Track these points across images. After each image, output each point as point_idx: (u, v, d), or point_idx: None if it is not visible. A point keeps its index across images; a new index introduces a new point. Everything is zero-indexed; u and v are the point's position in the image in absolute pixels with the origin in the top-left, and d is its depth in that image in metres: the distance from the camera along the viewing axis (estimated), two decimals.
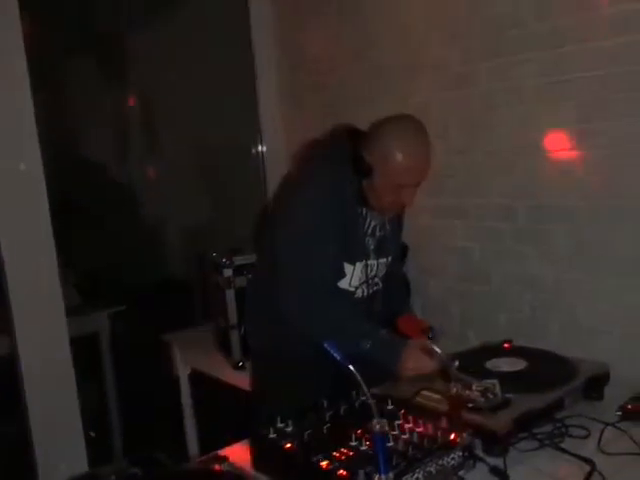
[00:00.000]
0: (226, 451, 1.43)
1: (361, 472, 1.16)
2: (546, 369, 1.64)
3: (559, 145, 2.03)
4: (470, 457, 1.29)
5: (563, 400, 1.50)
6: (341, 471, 1.18)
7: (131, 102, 4.33)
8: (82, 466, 2.46)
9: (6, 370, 2.42)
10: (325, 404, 1.48)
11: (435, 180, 2.06)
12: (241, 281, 2.37)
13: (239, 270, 2.38)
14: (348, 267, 1.77)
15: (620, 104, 1.85)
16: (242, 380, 2.27)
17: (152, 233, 4.25)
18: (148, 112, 4.26)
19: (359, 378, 1.16)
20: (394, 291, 1.97)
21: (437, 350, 1.54)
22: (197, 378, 2.77)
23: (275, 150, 3.16)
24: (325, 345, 1.19)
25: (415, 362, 1.61)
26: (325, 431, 1.35)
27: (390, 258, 1.89)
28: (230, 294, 2.39)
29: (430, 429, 1.31)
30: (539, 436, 1.40)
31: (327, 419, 1.41)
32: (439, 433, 1.29)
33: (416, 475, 1.18)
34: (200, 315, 3.29)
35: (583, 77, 1.92)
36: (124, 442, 3.39)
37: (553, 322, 2.11)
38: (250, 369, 2.06)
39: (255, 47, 3.12)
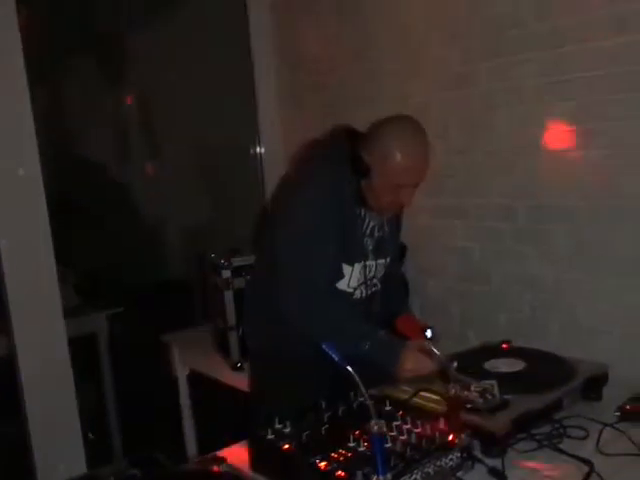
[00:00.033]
0: (224, 452, 1.43)
1: (359, 473, 1.15)
2: (544, 370, 1.64)
3: (559, 145, 2.03)
4: (468, 458, 1.29)
5: (561, 401, 1.50)
6: (339, 472, 1.18)
7: (130, 102, 4.33)
8: (81, 467, 2.46)
9: (5, 371, 2.42)
10: (323, 405, 1.48)
11: (435, 180, 2.06)
12: (240, 282, 2.37)
13: (237, 271, 2.38)
14: (346, 268, 1.77)
15: (620, 104, 1.85)
16: (240, 381, 2.27)
17: (151, 233, 4.25)
18: (147, 112, 4.26)
19: (357, 379, 1.16)
20: (392, 292, 1.97)
21: (435, 351, 1.53)
22: (196, 379, 2.77)
23: (273, 151, 3.16)
24: (323, 346, 1.19)
25: (414, 363, 1.60)
26: (323, 432, 1.35)
27: (389, 259, 1.89)
28: (229, 295, 2.38)
29: (428, 430, 1.31)
30: (537, 437, 1.40)
31: (325, 420, 1.41)
32: (437, 434, 1.29)
33: (414, 476, 1.18)
34: (200, 315, 3.29)
35: (583, 77, 1.92)
36: (123, 443, 3.38)
37: (553, 322, 2.11)
38: (249, 370, 2.06)
39: (254, 47, 3.12)
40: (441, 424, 1.32)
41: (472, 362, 1.67)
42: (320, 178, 1.71)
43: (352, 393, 1.50)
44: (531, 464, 1.34)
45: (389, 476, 1.13)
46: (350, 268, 1.77)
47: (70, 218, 3.38)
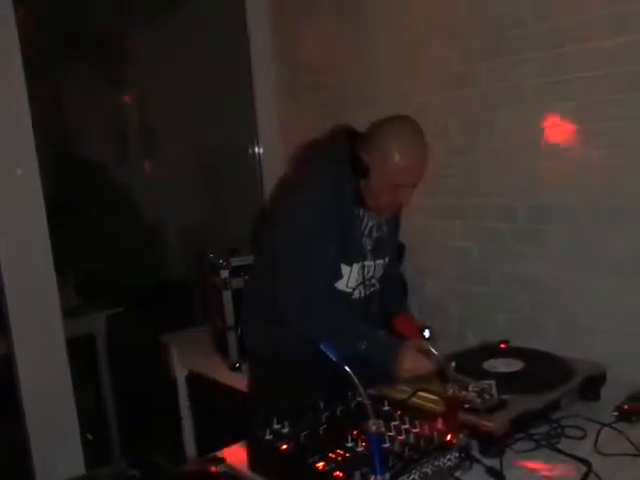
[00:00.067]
0: (223, 452, 1.42)
1: (357, 473, 1.15)
2: (542, 370, 1.63)
3: (559, 145, 2.03)
4: (466, 458, 1.28)
5: (559, 401, 1.50)
6: (337, 472, 1.18)
7: (129, 102, 4.33)
8: (79, 468, 2.46)
9: (3, 372, 2.42)
10: (321, 405, 1.47)
11: (434, 180, 2.07)
12: (238, 282, 2.37)
13: (236, 271, 2.38)
14: (345, 268, 1.77)
15: (620, 104, 1.85)
16: (239, 381, 2.27)
17: (151, 233, 4.25)
18: (146, 112, 4.26)
19: (355, 379, 1.15)
20: (391, 292, 1.97)
21: (433, 351, 1.53)
22: (194, 379, 2.76)
23: (272, 151, 3.16)
24: (321, 346, 1.19)
25: (412, 363, 1.60)
26: (321, 432, 1.35)
27: (387, 259, 1.89)
28: (227, 295, 2.38)
29: (426, 430, 1.31)
30: (535, 437, 1.40)
31: (323, 420, 1.41)
32: (435, 434, 1.29)
33: (412, 476, 1.18)
34: (200, 315, 3.29)
35: (583, 77, 1.92)
36: (121, 443, 3.38)
37: (551, 322, 2.11)
38: (247, 370, 2.06)
39: (253, 47, 3.12)
40: (439, 424, 1.32)
41: (470, 362, 1.67)
42: (319, 178, 1.71)
43: (350, 393, 1.49)
44: (529, 464, 1.33)
45: (387, 476, 1.13)
46: (349, 268, 1.77)
47: (70, 218, 3.38)
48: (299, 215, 1.70)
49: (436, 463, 1.22)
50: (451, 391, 1.34)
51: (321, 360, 1.22)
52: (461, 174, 2.34)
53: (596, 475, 1.25)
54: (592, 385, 1.59)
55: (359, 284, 1.81)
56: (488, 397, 1.44)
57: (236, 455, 1.40)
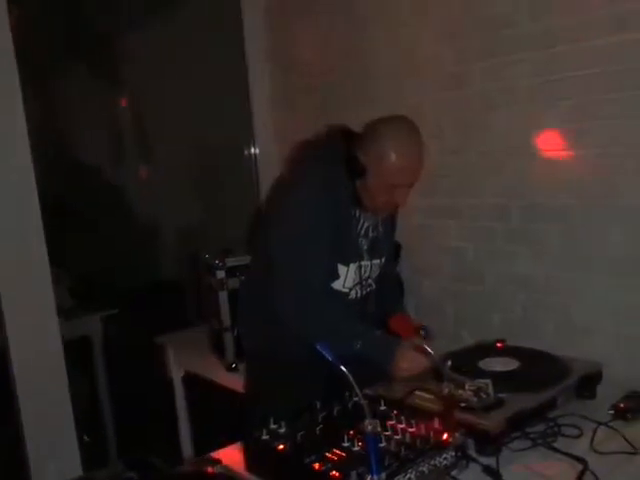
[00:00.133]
0: (219, 453, 1.43)
1: (353, 473, 1.15)
2: (539, 368, 1.64)
3: (553, 145, 2.03)
4: (463, 457, 1.29)
5: (556, 399, 1.50)
6: (333, 472, 1.18)
7: (124, 104, 4.32)
8: (76, 470, 2.45)
9: None
10: (318, 405, 1.48)
11: (429, 180, 2.06)
12: (234, 282, 2.36)
13: (232, 272, 2.37)
14: (342, 268, 1.77)
15: (614, 103, 1.85)
16: (236, 382, 2.27)
17: (146, 235, 4.25)
18: (141, 114, 4.25)
19: (351, 379, 1.16)
20: (387, 291, 1.97)
21: (429, 350, 1.53)
22: (191, 380, 2.76)
23: (267, 152, 3.16)
24: (317, 346, 1.19)
25: (408, 362, 1.61)
26: (318, 432, 1.35)
27: (383, 259, 1.89)
28: (223, 296, 2.38)
29: (423, 429, 1.31)
30: (532, 435, 1.41)
31: (320, 420, 1.41)
32: (432, 433, 1.29)
33: (408, 475, 1.18)
34: (194, 316, 3.29)
35: (577, 77, 1.92)
36: (118, 445, 3.37)
37: (547, 322, 2.12)
38: (244, 371, 2.06)
39: (248, 49, 3.12)
40: (435, 423, 1.32)
41: (466, 361, 1.68)
42: (314, 178, 1.71)
43: (347, 393, 1.49)
44: (525, 463, 1.34)
45: (383, 476, 1.13)
46: (345, 268, 1.77)
47: (65, 221, 3.37)
48: (293, 215, 1.70)
49: (432, 462, 1.23)
50: (447, 390, 1.34)
51: (318, 360, 1.22)
52: (456, 174, 2.35)
53: (592, 473, 1.26)
54: (588, 384, 1.59)
55: (356, 284, 1.81)
56: (484, 396, 1.44)
57: (233, 456, 1.40)
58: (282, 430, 1.37)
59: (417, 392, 1.51)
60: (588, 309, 2.00)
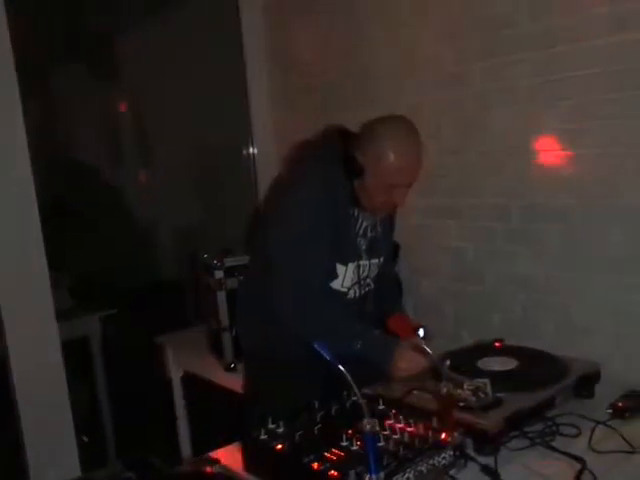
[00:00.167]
0: (218, 453, 1.42)
1: (352, 472, 1.15)
2: (537, 368, 1.64)
3: (553, 145, 2.03)
4: (461, 456, 1.29)
5: (554, 399, 1.50)
6: (332, 472, 1.18)
7: (123, 104, 4.32)
8: (75, 470, 2.45)
9: None
10: (316, 405, 1.48)
11: (428, 180, 2.07)
12: (232, 282, 2.36)
13: (230, 272, 2.37)
14: (340, 268, 1.77)
15: (614, 103, 1.85)
16: (234, 382, 2.27)
17: (145, 235, 4.25)
18: (140, 114, 4.25)
19: (349, 378, 1.15)
20: (386, 291, 1.97)
21: (428, 350, 1.53)
22: (189, 380, 2.76)
23: (266, 152, 3.16)
24: (315, 345, 1.19)
25: (407, 362, 1.61)
26: (316, 432, 1.35)
27: (382, 259, 1.89)
28: (221, 296, 2.38)
29: (421, 429, 1.31)
30: (530, 435, 1.40)
31: (318, 420, 1.41)
32: (430, 433, 1.29)
33: (407, 475, 1.18)
34: (192, 316, 3.29)
35: (576, 76, 1.92)
36: (117, 445, 3.37)
37: (546, 321, 2.11)
38: (242, 370, 2.06)
39: (246, 49, 3.12)
40: (434, 423, 1.32)
41: (465, 360, 1.68)
42: (313, 178, 1.71)
43: (345, 392, 1.49)
44: (524, 462, 1.34)
45: (382, 475, 1.13)
46: (344, 268, 1.77)
47: (64, 222, 3.37)
48: (292, 215, 1.70)
49: (431, 462, 1.23)
50: (445, 390, 1.34)
51: (316, 360, 1.22)
52: (455, 174, 2.35)
53: (590, 472, 1.26)
54: (586, 383, 1.59)
55: (354, 284, 1.81)
56: (483, 395, 1.44)
57: (231, 455, 1.40)
58: (280, 430, 1.37)
59: (415, 391, 1.51)
60: (588, 309, 2.00)
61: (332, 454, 1.24)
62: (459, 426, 1.32)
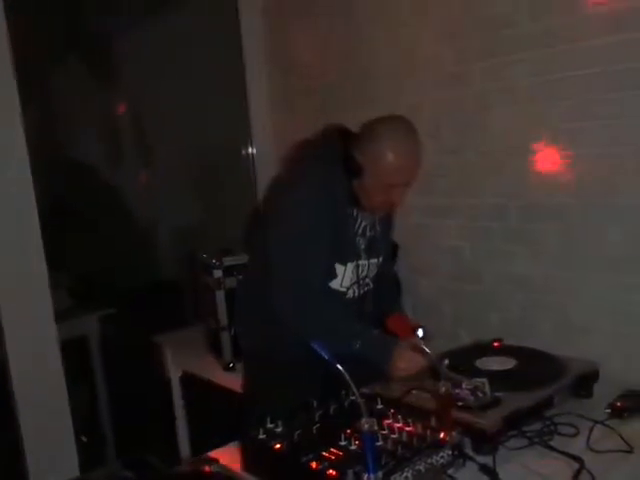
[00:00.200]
0: (217, 453, 1.43)
1: (350, 472, 1.15)
2: (535, 368, 1.64)
3: (551, 145, 2.03)
4: (459, 456, 1.29)
5: (552, 398, 1.50)
6: (330, 471, 1.18)
7: (123, 105, 4.32)
8: (74, 470, 2.45)
9: None
10: (315, 404, 1.48)
11: (427, 180, 2.07)
12: (231, 282, 2.36)
13: (229, 271, 2.38)
14: (339, 267, 1.77)
15: (613, 103, 1.85)
16: (233, 382, 2.27)
17: (144, 235, 4.25)
18: (140, 115, 4.25)
19: (348, 378, 1.16)
20: (385, 291, 1.97)
21: (426, 349, 1.53)
22: (188, 380, 2.76)
23: (265, 152, 3.16)
24: (313, 344, 1.19)
25: (406, 362, 1.61)
26: (314, 431, 1.35)
27: (381, 258, 1.89)
28: (220, 295, 2.38)
29: (419, 428, 1.31)
30: (528, 434, 1.41)
31: (317, 419, 1.41)
32: (428, 432, 1.29)
33: (405, 474, 1.18)
34: (191, 315, 3.29)
35: (576, 76, 1.92)
36: (116, 445, 3.37)
37: (544, 321, 2.12)
38: (242, 370, 2.06)
39: (246, 51, 3.12)
40: (432, 422, 1.32)
41: (463, 360, 1.68)
42: (312, 178, 1.71)
43: (344, 392, 1.50)
44: (522, 461, 1.34)
45: (380, 474, 1.13)
46: (343, 267, 1.77)
47: (64, 222, 3.37)
48: (292, 215, 1.70)
49: (429, 461, 1.23)
50: (444, 389, 1.34)
51: (315, 359, 1.22)
52: (454, 174, 2.35)
53: (588, 472, 1.26)
54: (585, 383, 1.60)
55: (353, 283, 1.81)
56: (481, 395, 1.44)
57: (230, 455, 1.40)
58: (279, 429, 1.37)
59: (414, 391, 1.51)
60: (586, 309, 2.00)
61: (330, 453, 1.25)
62: (457, 425, 1.32)
